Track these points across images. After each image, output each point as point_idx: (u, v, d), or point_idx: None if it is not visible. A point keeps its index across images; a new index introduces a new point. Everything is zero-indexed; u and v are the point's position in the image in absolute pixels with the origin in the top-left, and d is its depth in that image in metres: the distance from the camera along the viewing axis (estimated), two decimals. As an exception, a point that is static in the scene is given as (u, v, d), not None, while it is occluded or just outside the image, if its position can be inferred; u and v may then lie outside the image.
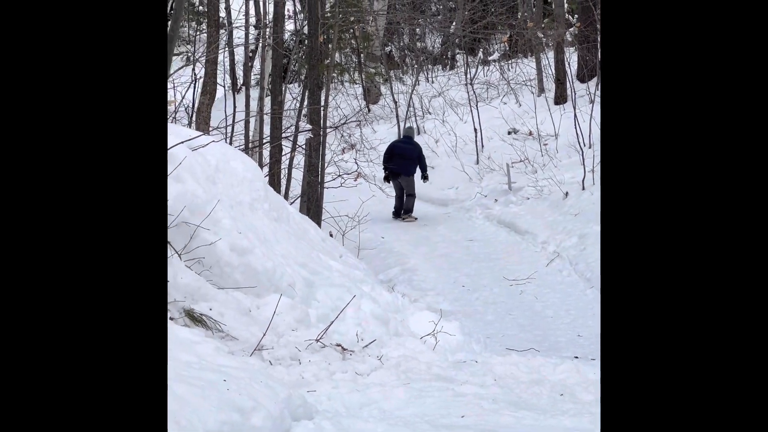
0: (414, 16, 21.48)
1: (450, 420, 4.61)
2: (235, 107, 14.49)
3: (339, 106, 21.58)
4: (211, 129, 11.56)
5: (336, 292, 6.61)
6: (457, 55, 26.07)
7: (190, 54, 22.12)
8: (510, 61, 22.68)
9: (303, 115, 13.27)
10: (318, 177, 11.66)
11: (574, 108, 14.85)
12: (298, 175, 13.26)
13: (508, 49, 23.06)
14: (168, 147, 5.17)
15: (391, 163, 14.63)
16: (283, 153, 12.53)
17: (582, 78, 18.27)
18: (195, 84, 14.94)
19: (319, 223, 11.95)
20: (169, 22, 7.22)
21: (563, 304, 9.52)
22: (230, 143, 13.21)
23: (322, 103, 12.27)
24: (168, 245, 5.36)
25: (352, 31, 22.17)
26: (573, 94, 16.09)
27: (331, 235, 12.03)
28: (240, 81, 26.64)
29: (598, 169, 12.94)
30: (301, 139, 12.78)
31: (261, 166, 12.85)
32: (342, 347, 5.67)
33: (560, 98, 18.02)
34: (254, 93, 16.43)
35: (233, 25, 19.95)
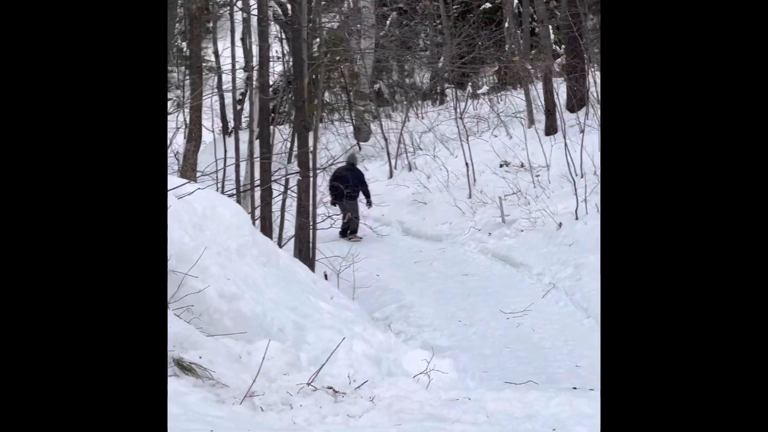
0: (401, 54, 21.59)
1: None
2: (225, 151, 14.51)
3: (326, 147, 21.59)
4: (198, 175, 11.56)
5: (327, 334, 6.57)
6: (447, 90, 26.16)
7: (178, 99, 22.17)
8: (499, 94, 22.73)
9: (295, 156, 13.31)
10: (308, 219, 11.64)
11: (565, 138, 14.88)
12: (292, 216, 13.34)
13: (496, 81, 23.16)
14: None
15: (333, 188, 16.07)
16: (274, 196, 12.52)
17: (571, 108, 18.32)
18: (185, 129, 14.96)
19: (313, 264, 11.92)
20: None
21: (560, 335, 9.47)
22: (222, 188, 13.23)
23: (311, 144, 12.29)
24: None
25: (340, 70, 22.26)
26: (563, 124, 16.13)
27: (326, 276, 11.99)
28: (231, 124, 26.71)
29: (590, 198, 12.93)
30: (292, 182, 12.80)
31: (253, 209, 12.86)
32: (334, 390, 5.62)
33: (550, 129, 18.05)
34: (246, 136, 16.49)
35: (221, 70, 19.99)
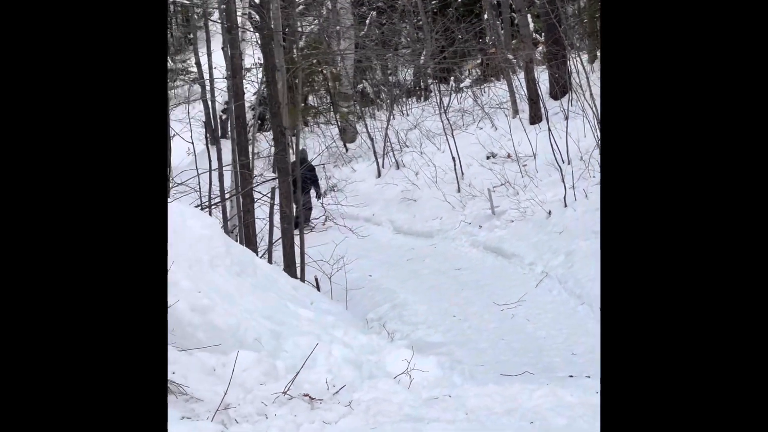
0: (382, 53, 21.50)
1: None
2: (210, 162, 14.41)
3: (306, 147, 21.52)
4: (172, 185, 11.46)
5: (305, 340, 6.47)
6: (431, 85, 26.10)
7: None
8: (482, 86, 22.64)
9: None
10: (290, 225, 11.54)
11: (549, 125, 14.79)
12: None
13: (479, 74, 23.09)
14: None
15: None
16: (256, 200, 12.41)
17: (554, 95, 18.23)
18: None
19: (302, 270, 11.82)
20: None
21: (555, 323, 9.41)
22: (209, 198, 13.12)
23: (292, 149, 12.20)
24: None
25: (323, 72, 22.18)
26: (547, 112, 16.04)
27: (316, 280, 11.90)
28: (220, 133, 26.71)
29: (578, 185, 12.86)
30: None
31: (240, 216, 12.75)
32: (310, 397, 5.53)
33: (535, 117, 17.97)
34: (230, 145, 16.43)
35: (203, 79, 19.93)
